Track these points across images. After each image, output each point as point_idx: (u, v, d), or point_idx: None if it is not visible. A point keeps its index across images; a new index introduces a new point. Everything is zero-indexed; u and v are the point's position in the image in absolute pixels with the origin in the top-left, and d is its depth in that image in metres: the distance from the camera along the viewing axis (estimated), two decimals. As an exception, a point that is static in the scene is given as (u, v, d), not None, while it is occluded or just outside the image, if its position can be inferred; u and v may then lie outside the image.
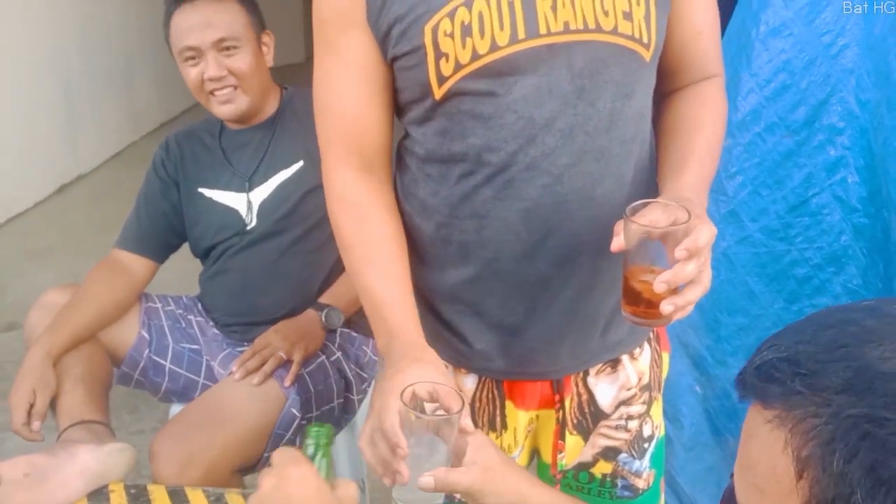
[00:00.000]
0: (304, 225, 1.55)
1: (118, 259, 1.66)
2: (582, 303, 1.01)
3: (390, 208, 1.03)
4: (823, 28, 1.42)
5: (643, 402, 1.11)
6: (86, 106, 4.79)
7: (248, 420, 1.43)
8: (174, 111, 5.75)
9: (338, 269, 1.61)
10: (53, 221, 4.14)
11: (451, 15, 0.90)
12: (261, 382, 1.44)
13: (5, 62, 4.00)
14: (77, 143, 4.72)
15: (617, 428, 1.11)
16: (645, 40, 0.94)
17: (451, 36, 0.90)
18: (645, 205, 0.87)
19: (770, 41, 1.47)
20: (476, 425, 1.07)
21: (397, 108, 1.02)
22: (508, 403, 1.08)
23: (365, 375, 1.65)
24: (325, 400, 1.54)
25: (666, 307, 0.83)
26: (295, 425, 1.48)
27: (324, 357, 1.57)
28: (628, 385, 1.10)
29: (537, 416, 1.11)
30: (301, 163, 1.55)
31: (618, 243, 0.85)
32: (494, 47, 0.90)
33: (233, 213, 1.59)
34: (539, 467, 1.19)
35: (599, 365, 1.08)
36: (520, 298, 1.00)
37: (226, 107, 1.52)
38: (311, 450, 0.78)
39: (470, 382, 1.08)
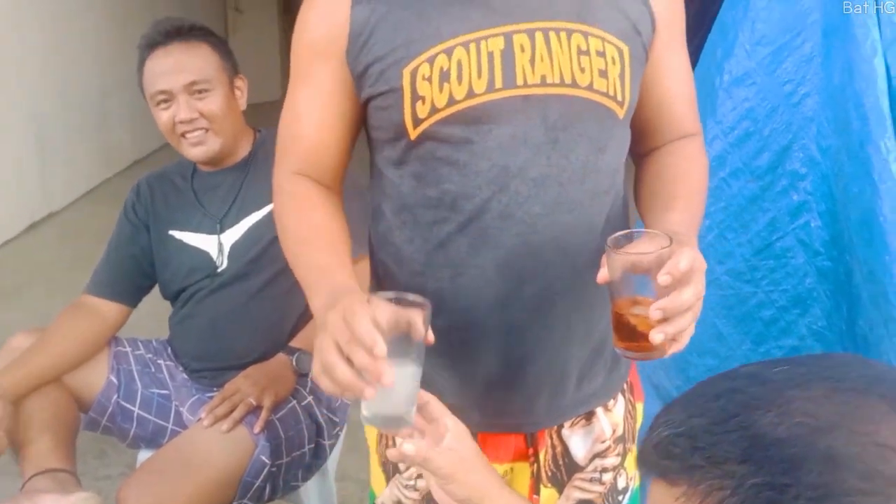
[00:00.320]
0: (274, 267, 1.55)
1: (87, 303, 1.65)
2: (556, 355, 1.01)
3: (334, 203, 1.05)
4: (785, 77, 1.47)
5: (617, 454, 1.12)
6: (58, 143, 4.75)
7: (217, 467, 1.41)
8: (147, 149, 5.73)
9: (308, 312, 1.60)
10: (23, 260, 4.08)
11: (431, 60, 0.92)
12: (230, 429, 1.43)
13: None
14: (48, 181, 4.68)
15: (591, 480, 1.11)
16: (619, 98, 0.96)
17: (429, 80, 0.92)
18: (627, 235, 0.88)
19: (734, 90, 1.51)
20: None
21: (373, 147, 1.04)
22: None
23: (336, 420, 1.64)
24: (296, 446, 1.52)
25: (656, 336, 0.81)
26: (265, 472, 1.46)
27: (294, 402, 1.55)
28: (602, 437, 1.10)
29: (512, 469, 1.10)
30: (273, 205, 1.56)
31: (603, 275, 0.85)
32: (471, 94, 0.92)
33: (203, 255, 1.58)
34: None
35: (574, 417, 1.08)
36: (494, 349, 1.00)
37: (197, 149, 1.53)
38: None
39: None
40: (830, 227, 1.48)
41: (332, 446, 1.65)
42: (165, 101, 1.50)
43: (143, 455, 1.65)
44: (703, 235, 1.60)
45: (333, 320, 0.81)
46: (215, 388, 1.57)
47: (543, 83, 0.93)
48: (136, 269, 1.65)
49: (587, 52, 0.95)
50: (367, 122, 1.02)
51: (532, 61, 0.93)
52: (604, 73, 0.95)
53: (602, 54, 0.95)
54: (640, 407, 1.18)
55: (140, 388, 1.64)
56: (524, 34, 0.94)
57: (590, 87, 0.95)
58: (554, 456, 1.09)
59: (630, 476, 1.15)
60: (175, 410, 1.64)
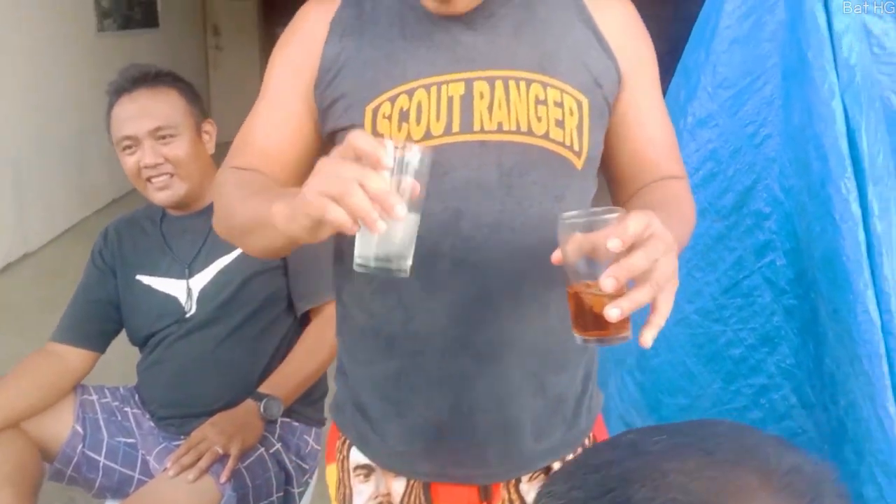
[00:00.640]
0: (243, 312, 1.54)
1: (53, 350, 1.62)
2: (508, 404, 1.00)
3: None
4: (747, 119, 1.49)
5: None
6: (35, 183, 4.73)
7: (183, 518, 1.38)
8: (126, 188, 5.70)
9: (278, 357, 1.59)
10: (-4, 301, 4.03)
11: (393, 100, 0.93)
12: (196, 479, 1.40)
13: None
14: (25, 221, 4.64)
15: None
16: (576, 148, 0.97)
17: (389, 118, 0.93)
18: (585, 214, 0.81)
19: (697, 131, 1.53)
20: None
21: None
22: None
23: (306, 467, 1.62)
24: (264, 494, 1.50)
25: (611, 312, 0.72)
26: (232, 522, 1.44)
27: (262, 449, 1.53)
28: None
29: None
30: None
31: (556, 255, 0.81)
32: (428, 135, 0.93)
33: (172, 300, 1.57)
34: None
35: (532, 472, 1.06)
36: (444, 396, 0.99)
37: (162, 193, 1.52)
38: None
39: (398, 486, 1.06)
40: (795, 265, 1.49)
41: (301, 494, 1.62)
42: (130, 146, 1.50)
43: (110, 505, 1.62)
44: (671, 275, 1.62)
45: (329, 159, 0.75)
46: (182, 437, 1.55)
47: (500, 130, 0.94)
48: (103, 314, 1.64)
49: (545, 102, 0.96)
50: None
51: (490, 108, 0.94)
52: (560, 124, 0.96)
53: (560, 105, 0.96)
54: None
55: (106, 437, 1.61)
56: (485, 81, 0.95)
57: (545, 136, 0.95)
58: None
59: None
60: (142, 459, 1.61)
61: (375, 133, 0.94)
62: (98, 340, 1.66)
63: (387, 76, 0.95)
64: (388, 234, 0.74)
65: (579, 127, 0.97)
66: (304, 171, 1.02)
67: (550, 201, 0.97)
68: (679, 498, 0.45)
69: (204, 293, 1.56)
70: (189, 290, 1.56)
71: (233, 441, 1.45)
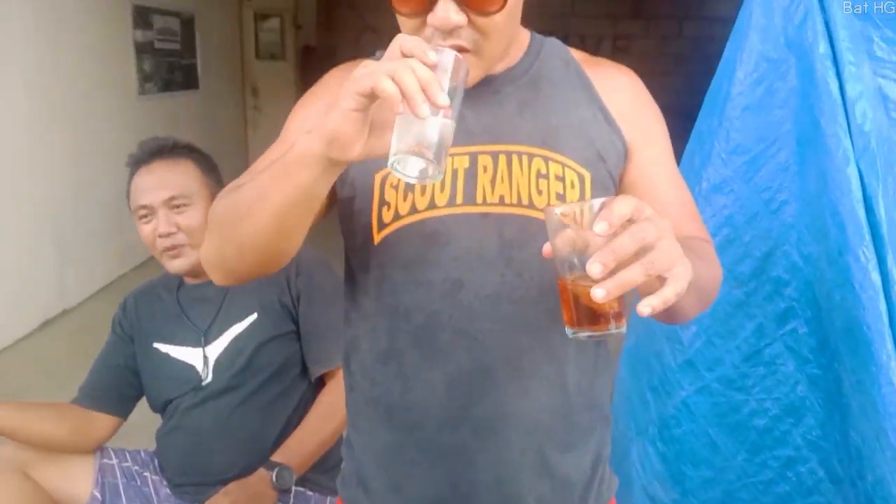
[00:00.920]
0: (257, 379, 1.55)
1: (79, 408, 1.65)
2: (509, 483, 0.98)
3: None
4: (762, 185, 1.48)
5: None
6: (75, 240, 4.86)
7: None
8: (164, 243, 5.83)
9: (293, 423, 1.59)
10: (32, 359, 4.11)
11: None
12: (208, 548, 1.39)
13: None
14: (64, 278, 4.76)
15: None
16: None
17: (396, 188, 0.95)
18: (574, 205, 0.78)
19: (712, 197, 1.52)
20: None
21: (346, 256, 1.05)
22: None
23: (319, 536, 1.60)
24: (277, 564, 1.48)
25: (596, 291, 0.68)
26: None
27: (275, 519, 1.52)
28: None
29: None
30: (255, 315, 1.57)
31: (546, 248, 0.79)
32: (432, 205, 0.94)
33: (189, 368, 1.58)
34: None
35: None
36: (443, 472, 0.98)
37: (176, 261, 1.55)
38: None
39: None
40: (818, 333, 1.46)
41: (315, 565, 1.60)
42: (146, 215, 1.55)
43: (125, 573, 1.61)
44: (691, 342, 1.59)
45: (373, 62, 0.75)
46: (197, 504, 1.54)
47: (501, 203, 0.95)
48: (121, 379, 1.66)
49: (546, 176, 0.96)
50: (342, 227, 1.04)
51: (493, 181, 0.95)
52: (561, 197, 0.96)
53: (561, 179, 0.97)
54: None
55: (125, 502, 1.62)
56: (488, 155, 0.97)
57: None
58: None
59: None
60: (158, 527, 1.61)
61: (383, 200, 0.96)
62: (118, 405, 1.68)
63: None
64: (426, 126, 0.74)
65: (580, 200, 0.97)
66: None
67: (550, 274, 0.97)
68: None
69: (219, 361, 1.58)
70: (205, 358, 1.57)
71: (245, 511, 1.44)
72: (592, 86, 1.03)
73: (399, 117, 0.75)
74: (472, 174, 0.95)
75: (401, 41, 0.76)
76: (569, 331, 0.78)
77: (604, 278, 0.68)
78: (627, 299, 0.74)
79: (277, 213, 0.84)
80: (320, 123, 0.77)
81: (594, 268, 0.68)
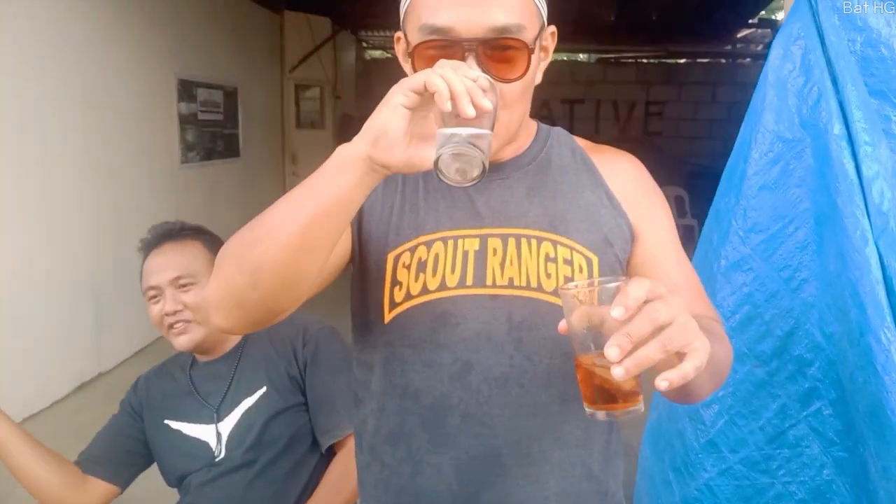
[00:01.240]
0: (269, 453, 1.55)
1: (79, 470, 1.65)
2: None
3: None
4: (781, 263, 1.47)
5: None
6: (113, 305, 4.96)
7: None
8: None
9: (306, 495, 1.58)
10: (68, 422, 4.16)
11: (413, 250, 0.97)
12: None
13: (36, 261, 4.22)
14: (101, 341, 4.85)
15: None
16: None
17: (408, 268, 0.97)
18: (589, 284, 0.79)
19: (731, 275, 1.51)
20: None
21: (355, 331, 1.05)
22: None
23: None
24: None
25: (616, 371, 0.69)
26: None
27: None
28: None
29: None
30: (264, 388, 1.58)
31: (562, 325, 0.79)
32: (443, 287, 0.96)
33: (202, 445, 1.59)
34: None
35: None
36: None
37: (182, 337, 1.57)
38: None
39: None
40: (843, 415, 1.42)
41: None
42: (155, 296, 1.58)
43: None
44: (713, 422, 1.56)
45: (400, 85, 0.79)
46: (212, 580, 1.53)
47: (511, 285, 0.97)
48: (120, 448, 1.64)
49: (555, 260, 0.98)
50: (352, 304, 1.05)
51: (502, 264, 0.97)
52: (569, 280, 0.97)
53: (569, 262, 0.98)
54: None
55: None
56: (498, 238, 0.98)
57: (555, 293, 0.97)
58: None
59: None
60: None
61: (395, 280, 0.98)
62: (113, 473, 1.63)
63: (409, 226, 0.99)
64: (469, 130, 0.78)
65: (594, 277, 0.98)
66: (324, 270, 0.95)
67: (560, 357, 0.97)
68: None
69: (232, 437, 1.58)
70: (219, 435, 1.58)
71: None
72: (598, 171, 1.05)
73: (440, 130, 0.79)
74: (482, 257, 0.97)
75: (443, 61, 0.80)
76: (587, 409, 0.78)
77: (622, 359, 0.69)
78: (644, 376, 0.75)
79: (307, 223, 0.81)
80: (366, 124, 0.80)
81: (612, 351, 0.69)
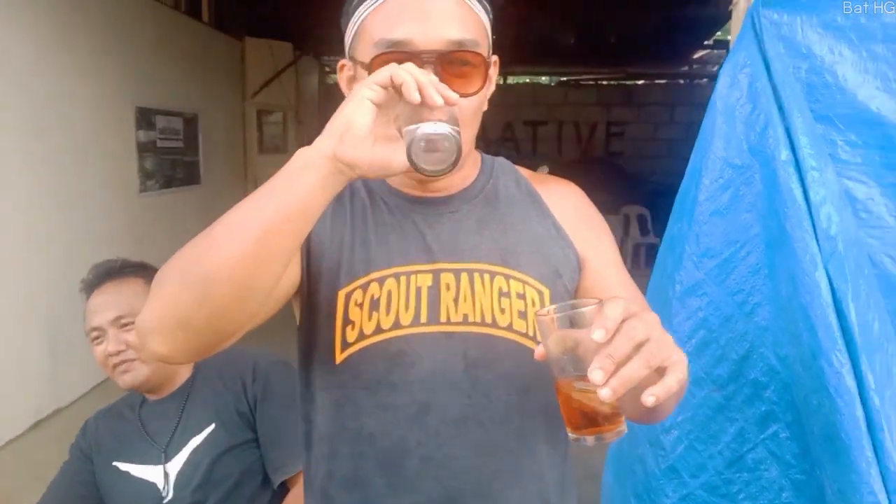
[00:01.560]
0: (219, 492, 1.52)
1: None
2: None
3: None
4: (735, 287, 1.48)
5: None
6: (70, 338, 4.85)
7: None
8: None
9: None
10: (23, 461, 4.05)
11: (364, 287, 0.95)
12: None
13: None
14: (57, 376, 4.73)
15: None
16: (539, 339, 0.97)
17: (361, 306, 0.94)
18: (562, 308, 0.79)
19: (686, 300, 1.52)
20: None
21: (303, 371, 1.02)
22: None
23: None
24: None
25: (603, 392, 0.69)
26: None
27: None
28: None
29: None
30: (212, 426, 1.55)
31: (539, 351, 0.79)
32: (397, 325, 0.94)
33: (150, 486, 1.55)
34: None
35: None
36: None
37: (126, 376, 1.54)
38: None
39: None
40: (799, 438, 1.43)
41: None
42: (98, 336, 1.55)
43: None
44: (673, 447, 1.56)
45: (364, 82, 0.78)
46: None
47: (465, 321, 0.95)
48: (76, 495, 1.61)
49: (508, 294, 0.97)
50: (299, 343, 1.02)
51: (456, 300, 0.96)
52: (523, 315, 0.97)
53: (522, 296, 0.97)
54: None
55: None
56: (451, 273, 0.97)
57: (509, 328, 0.96)
58: None
59: None
60: None
61: (347, 319, 0.95)
62: None
63: (361, 261, 0.97)
64: (437, 123, 0.77)
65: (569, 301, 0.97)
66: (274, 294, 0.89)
67: (517, 393, 0.96)
68: None
69: (180, 476, 1.55)
70: (166, 475, 1.55)
71: None
72: (543, 202, 1.05)
73: (407, 127, 0.77)
74: (435, 292, 0.96)
75: (394, 66, 0.78)
76: (572, 435, 0.78)
77: (607, 380, 0.70)
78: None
79: (266, 229, 0.76)
80: (330, 122, 0.77)
81: (595, 375, 0.69)
